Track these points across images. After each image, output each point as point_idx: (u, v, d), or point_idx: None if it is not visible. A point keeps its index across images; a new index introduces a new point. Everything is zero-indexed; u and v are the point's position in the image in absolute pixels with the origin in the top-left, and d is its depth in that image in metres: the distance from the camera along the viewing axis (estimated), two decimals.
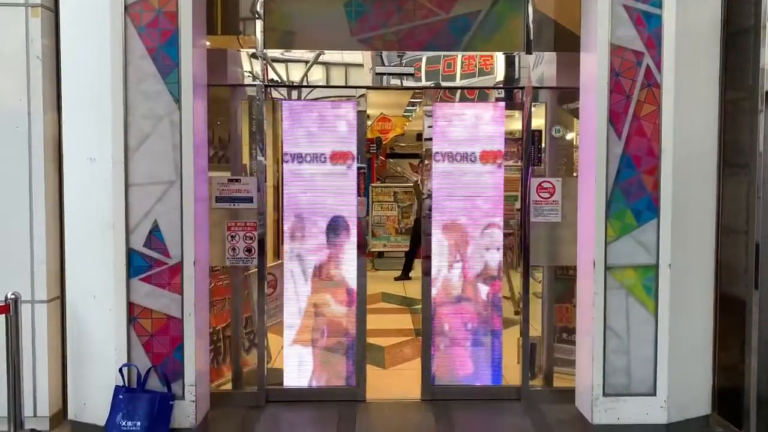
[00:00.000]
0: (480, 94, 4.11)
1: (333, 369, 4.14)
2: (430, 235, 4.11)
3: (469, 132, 4.08)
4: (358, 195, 4.07)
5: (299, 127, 4.05)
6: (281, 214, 4.23)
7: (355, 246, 4.09)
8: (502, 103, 4.09)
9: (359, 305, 4.10)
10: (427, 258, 4.12)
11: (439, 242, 4.12)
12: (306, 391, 4.12)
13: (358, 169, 4.06)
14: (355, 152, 4.05)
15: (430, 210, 4.11)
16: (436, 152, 4.07)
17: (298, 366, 4.14)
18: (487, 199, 4.10)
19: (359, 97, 4.04)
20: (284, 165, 4.09)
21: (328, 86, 4.06)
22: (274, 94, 4.08)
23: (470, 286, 4.15)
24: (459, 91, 4.11)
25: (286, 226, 4.11)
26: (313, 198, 4.07)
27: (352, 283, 4.10)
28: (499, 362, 4.18)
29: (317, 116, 4.05)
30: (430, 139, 4.09)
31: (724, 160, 3.72)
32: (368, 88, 4.04)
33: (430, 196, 4.11)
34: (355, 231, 4.08)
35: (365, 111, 4.07)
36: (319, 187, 4.06)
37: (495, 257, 4.14)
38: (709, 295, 3.74)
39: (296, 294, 4.13)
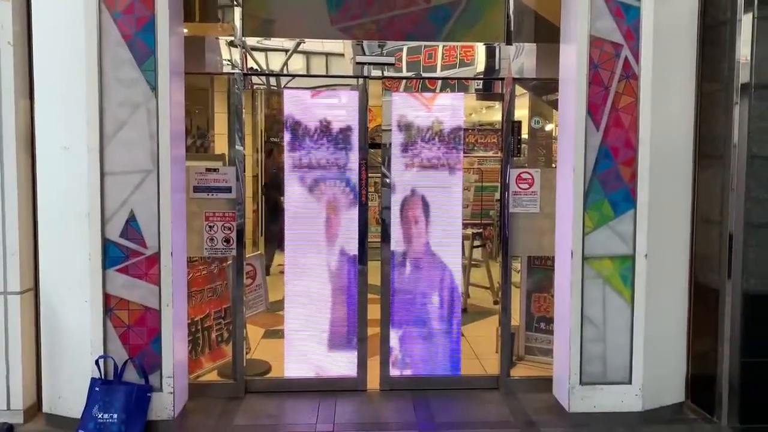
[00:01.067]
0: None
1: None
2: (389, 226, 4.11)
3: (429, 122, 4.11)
4: (360, 187, 4.03)
5: (302, 116, 4.03)
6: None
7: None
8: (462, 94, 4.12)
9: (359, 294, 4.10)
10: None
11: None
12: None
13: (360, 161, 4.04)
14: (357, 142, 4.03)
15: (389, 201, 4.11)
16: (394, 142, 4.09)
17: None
18: (446, 192, 4.13)
19: (359, 85, 4.01)
20: (287, 154, 4.05)
21: (308, 75, 4.02)
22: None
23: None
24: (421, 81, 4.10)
25: (288, 217, 4.08)
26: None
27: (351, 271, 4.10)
28: (458, 351, 4.23)
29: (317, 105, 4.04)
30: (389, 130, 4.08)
31: (700, 152, 3.78)
32: (348, 77, 4.01)
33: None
34: (356, 222, 4.06)
35: (366, 100, 4.02)
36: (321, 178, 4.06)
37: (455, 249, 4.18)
38: (683, 284, 3.81)
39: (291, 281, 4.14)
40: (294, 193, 4.06)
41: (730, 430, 3.60)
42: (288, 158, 4.05)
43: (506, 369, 4.12)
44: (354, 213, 4.05)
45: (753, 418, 3.58)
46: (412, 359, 4.18)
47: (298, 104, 4.03)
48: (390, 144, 4.07)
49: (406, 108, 4.08)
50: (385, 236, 4.10)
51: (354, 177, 4.04)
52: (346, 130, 4.04)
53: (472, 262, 6.21)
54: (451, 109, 4.11)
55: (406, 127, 4.08)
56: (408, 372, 4.17)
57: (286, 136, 4.04)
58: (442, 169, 4.10)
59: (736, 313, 3.56)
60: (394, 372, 4.14)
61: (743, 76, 3.48)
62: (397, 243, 4.11)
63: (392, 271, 4.11)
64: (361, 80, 4.00)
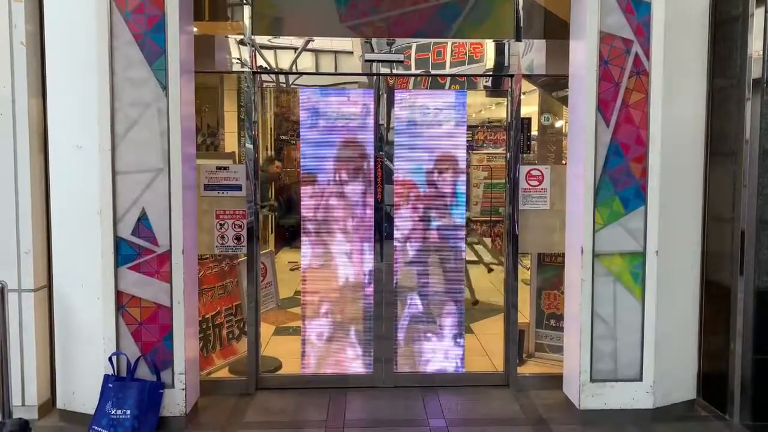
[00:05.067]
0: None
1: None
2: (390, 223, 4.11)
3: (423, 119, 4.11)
4: (376, 185, 4.04)
5: (317, 114, 4.05)
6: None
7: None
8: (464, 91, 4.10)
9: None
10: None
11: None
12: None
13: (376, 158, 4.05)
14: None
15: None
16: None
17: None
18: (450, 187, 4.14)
19: (374, 83, 4.02)
20: (301, 151, 4.08)
21: (318, 73, 4.03)
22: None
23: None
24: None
25: (303, 215, 4.11)
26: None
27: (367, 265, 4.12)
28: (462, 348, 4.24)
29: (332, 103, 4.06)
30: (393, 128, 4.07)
31: (711, 148, 3.75)
32: (359, 74, 4.02)
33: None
34: (372, 220, 4.07)
35: (380, 98, 4.03)
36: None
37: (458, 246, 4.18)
38: (695, 281, 3.78)
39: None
40: (309, 190, 4.07)
41: (741, 427, 3.58)
42: (303, 156, 4.05)
43: (515, 366, 4.12)
44: (370, 210, 4.06)
45: (765, 415, 3.56)
46: (417, 356, 4.19)
47: (312, 102, 4.04)
48: (394, 141, 4.06)
49: (410, 105, 4.06)
50: (389, 232, 4.10)
51: (370, 174, 4.04)
52: (361, 128, 4.04)
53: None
54: (455, 106, 4.09)
55: (409, 123, 4.07)
56: (413, 369, 4.18)
57: (301, 134, 4.05)
58: (446, 165, 4.09)
59: (749, 310, 3.54)
60: (401, 368, 4.15)
61: (755, 71, 3.45)
62: (400, 239, 4.11)
63: (395, 267, 4.11)
64: (375, 78, 4.00)
